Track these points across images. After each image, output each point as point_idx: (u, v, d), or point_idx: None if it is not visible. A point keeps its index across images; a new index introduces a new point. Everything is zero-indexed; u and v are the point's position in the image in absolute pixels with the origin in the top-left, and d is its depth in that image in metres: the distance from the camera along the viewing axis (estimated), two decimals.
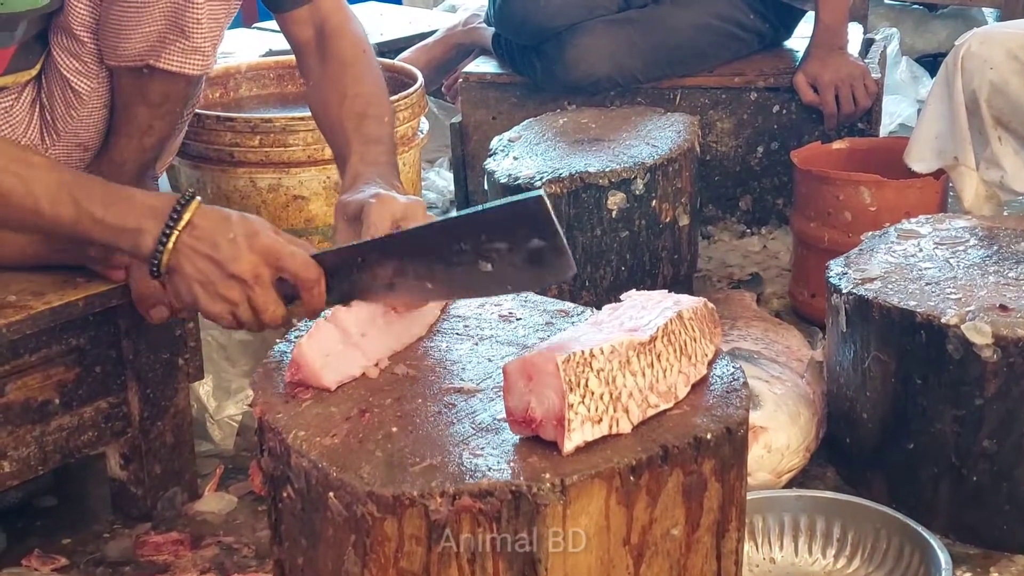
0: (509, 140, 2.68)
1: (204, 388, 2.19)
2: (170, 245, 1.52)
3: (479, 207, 1.42)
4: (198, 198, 1.55)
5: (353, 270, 1.49)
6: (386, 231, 1.53)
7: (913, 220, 2.22)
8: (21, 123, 1.84)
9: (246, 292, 1.52)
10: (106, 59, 1.79)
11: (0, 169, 1.56)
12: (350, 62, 1.87)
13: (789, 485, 2.01)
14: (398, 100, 2.44)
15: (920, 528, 1.79)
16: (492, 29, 3.17)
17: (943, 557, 1.72)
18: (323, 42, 1.88)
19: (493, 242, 1.39)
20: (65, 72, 1.81)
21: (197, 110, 2.39)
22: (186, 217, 1.52)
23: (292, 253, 1.51)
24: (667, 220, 2.52)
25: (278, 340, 1.53)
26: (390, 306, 1.49)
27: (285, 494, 1.34)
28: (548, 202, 1.35)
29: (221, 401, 2.21)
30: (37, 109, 1.85)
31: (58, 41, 1.80)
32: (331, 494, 1.26)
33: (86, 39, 1.78)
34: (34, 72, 1.83)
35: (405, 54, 3.46)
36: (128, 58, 1.77)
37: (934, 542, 1.75)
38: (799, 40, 3.13)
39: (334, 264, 1.51)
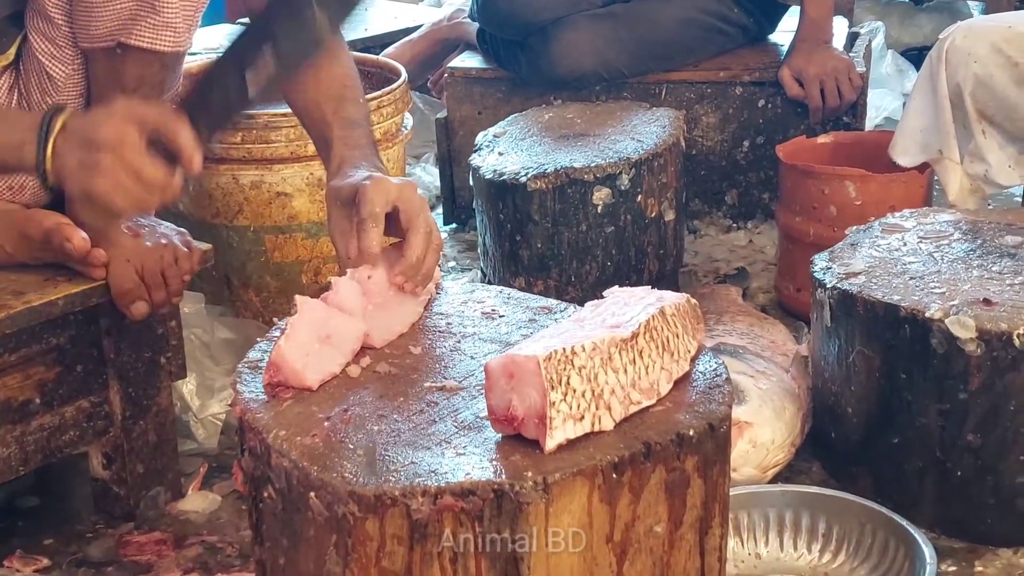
0: (494, 136, 2.67)
1: (187, 387, 2.18)
2: (49, 151, 1.54)
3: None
4: (70, 108, 1.57)
5: (209, 99, 1.52)
6: (383, 213, 1.53)
7: (897, 214, 2.21)
8: None
9: (118, 155, 1.50)
10: (79, 41, 1.78)
11: None
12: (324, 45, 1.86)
13: (774, 480, 2.01)
14: (382, 96, 2.43)
15: (905, 523, 1.78)
16: (477, 24, 3.16)
17: (928, 551, 1.72)
18: None
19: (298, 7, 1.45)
20: (41, 57, 1.80)
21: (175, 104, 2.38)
22: (58, 124, 1.54)
23: (150, 107, 1.53)
24: (653, 215, 2.51)
25: (258, 339, 1.52)
26: (392, 276, 1.50)
27: (266, 494, 1.33)
28: None
29: (204, 400, 2.20)
30: (15, 96, 1.84)
31: (34, 24, 1.80)
32: (312, 494, 1.26)
33: (60, 21, 1.78)
34: (11, 56, 1.82)
35: (390, 50, 3.45)
36: (100, 38, 1.76)
37: (919, 536, 1.75)
38: (784, 34, 3.12)
39: (192, 101, 1.54)
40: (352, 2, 1.50)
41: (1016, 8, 3.91)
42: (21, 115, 1.64)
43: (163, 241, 1.87)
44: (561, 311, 1.56)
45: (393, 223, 1.56)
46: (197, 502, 2.03)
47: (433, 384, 1.40)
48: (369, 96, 2.40)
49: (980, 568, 1.85)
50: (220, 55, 1.53)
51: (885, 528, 1.80)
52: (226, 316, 2.40)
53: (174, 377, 2.01)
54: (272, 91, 1.52)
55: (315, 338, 1.41)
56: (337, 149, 1.72)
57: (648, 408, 1.33)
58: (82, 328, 1.88)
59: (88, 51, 1.79)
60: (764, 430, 1.98)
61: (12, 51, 1.82)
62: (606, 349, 1.30)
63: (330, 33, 1.50)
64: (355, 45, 3.45)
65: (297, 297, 1.44)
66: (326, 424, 1.32)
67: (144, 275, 1.82)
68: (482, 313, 1.57)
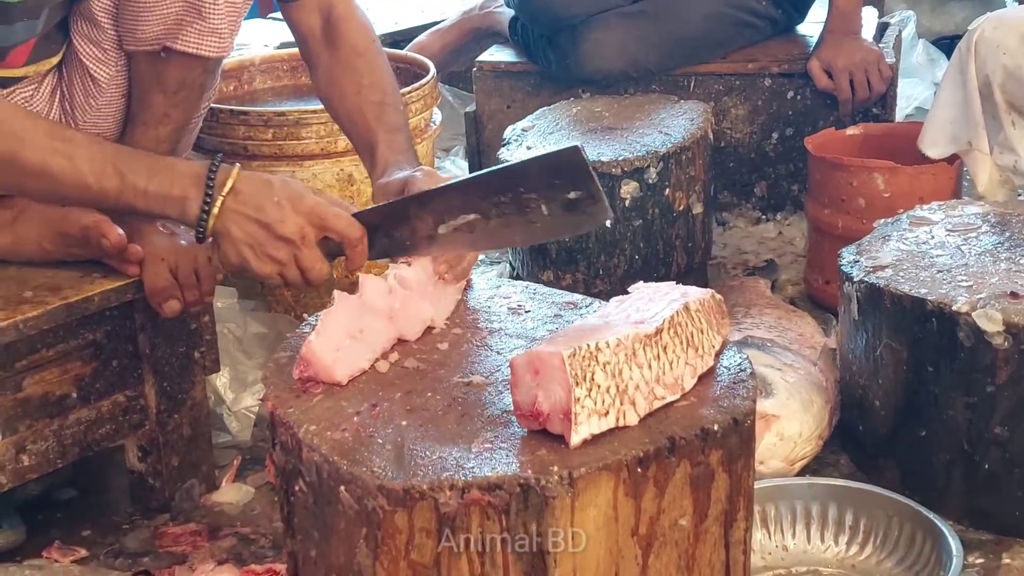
0: (522, 129, 2.69)
1: (221, 380, 2.21)
2: (215, 210, 1.59)
3: (518, 160, 1.50)
4: (237, 165, 1.61)
5: (394, 226, 1.56)
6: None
7: (925, 207, 2.21)
8: (42, 111, 1.86)
9: (293, 252, 1.59)
10: (125, 44, 1.81)
11: (45, 149, 1.62)
12: (362, 50, 1.91)
13: (802, 473, 2.01)
14: (410, 91, 2.45)
15: (932, 515, 1.79)
16: (509, 14, 3.17)
17: (955, 544, 1.72)
18: (330, 30, 1.91)
19: (531, 193, 1.46)
20: (85, 60, 1.83)
21: (211, 104, 2.41)
22: (229, 183, 1.59)
23: (336, 213, 1.59)
24: (681, 208, 2.52)
25: (289, 335, 1.54)
26: (436, 265, 1.55)
27: (297, 488, 1.35)
28: (585, 153, 1.42)
29: (238, 393, 2.23)
30: (57, 98, 1.87)
31: (78, 28, 1.82)
32: (342, 488, 1.28)
33: (106, 25, 1.80)
34: (55, 61, 1.85)
35: (420, 38, 3.46)
36: (146, 41, 1.79)
37: (946, 529, 1.75)
38: (813, 25, 3.12)
39: (375, 221, 1.59)
40: (590, 222, 1.48)
41: None
42: (176, 165, 1.64)
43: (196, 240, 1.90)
44: (586, 306, 1.58)
45: None
46: (231, 494, 2.05)
47: (460, 380, 1.42)
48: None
49: (1007, 560, 1.85)
50: (426, 192, 1.57)
51: (912, 521, 1.81)
52: (258, 311, 2.43)
53: (208, 371, 2.04)
54: (464, 246, 1.56)
55: (345, 334, 1.43)
56: (382, 152, 1.79)
57: (672, 403, 1.34)
58: (118, 323, 1.91)
59: (132, 53, 1.82)
60: (792, 423, 1.98)
61: (58, 56, 1.85)
62: (630, 345, 1.31)
63: (565, 236, 1.50)
64: (384, 40, 3.46)
65: (335, 292, 1.47)
66: (355, 419, 1.35)
67: (177, 274, 1.85)
68: (508, 309, 1.58)
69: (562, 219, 1.46)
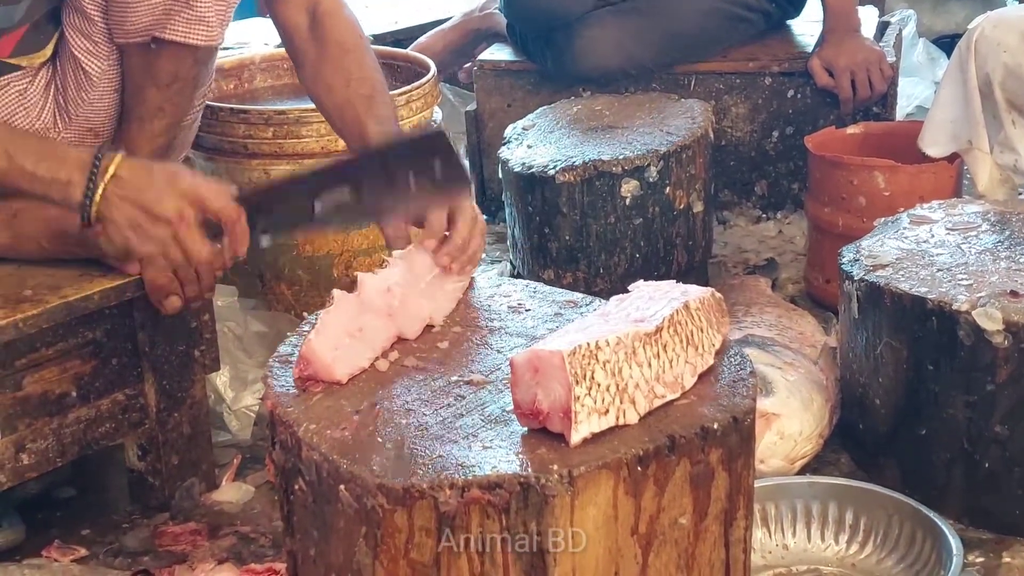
0: (523, 128, 2.69)
1: (221, 379, 2.20)
2: (97, 196, 1.63)
3: (387, 142, 1.69)
4: (121, 152, 1.66)
5: (273, 205, 1.63)
6: (443, 218, 1.63)
7: (925, 206, 2.21)
8: (35, 106, 1.86)
9: (172, 232, 1.63)
10: (115, 36, 1.82)
11: None
12: (350, 47, 1.91)
13: (802, 471, 2.01)
14: (411, 90, 2.45)
15: (932, 514, 1.79)
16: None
17: (955, 543, 1.72)
18: (317, 26, 1.92)
19: (400, 167, 1.58)
20: (77, 53, 1.83)
21: (211, 102, 2.41)
22: (111, 170, 1.63)
23: (215, 193, 1.64)
24: (681, 207, 2.52)
25: (289, 334, 1.54)
26: (439, 257, 1.60)
27: (297, 486, 1.35)
28: (447, 133, 1.58)
29: (238, 391, 2.23)
30: (51, 92, 1.87)
31: (70, 21, 1.83)
32: (342, 486, 1.28)
33: (96, 17, 1.81)
34: (48, 53, 1.85)
35: (422, 39, 3.46)
36: (135, 33, 1.79)
37: (946, 528, 1.75)
38: (811, 24, 3.12)
39: (254, 201, 1.65)
40: (455, 193, 1.62)
41: None
42: (65, 150, 1.69)
43: None
44: (586, 305, 1.58)
45: None
46: (231, 493, 2.05)
47: (460, 378, 1.42)
48: (399, 91, 2.43)
49: (1008, 559, 1.85)
50: (302, 172, 1.69)
51: (912, 519, 1.81)
52: (259, 309, 2.43)
53: (208, 370, 2.04)
54: (340, 223, 1.69)
55: (345, 333, 1.43)
56: (373, 143, 1.79)
57: (672, 402, 1.34)
58: (117, 322, 1.91)
59: (123, 46, 1.82)
60: (792, 422, 1.98)
61: (49, 48, 1.85)
62: (630, 343, 1.31)
63: (425, 203, 1.61)
64: (385, 38, 3.48)
65: (334, 291, 1.47)
66: (355, 418, 1.35)
67: (177, 270, 1.85)
68: (508, 307, 1.58)
69: (428, 190, 1.59)
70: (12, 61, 1.82)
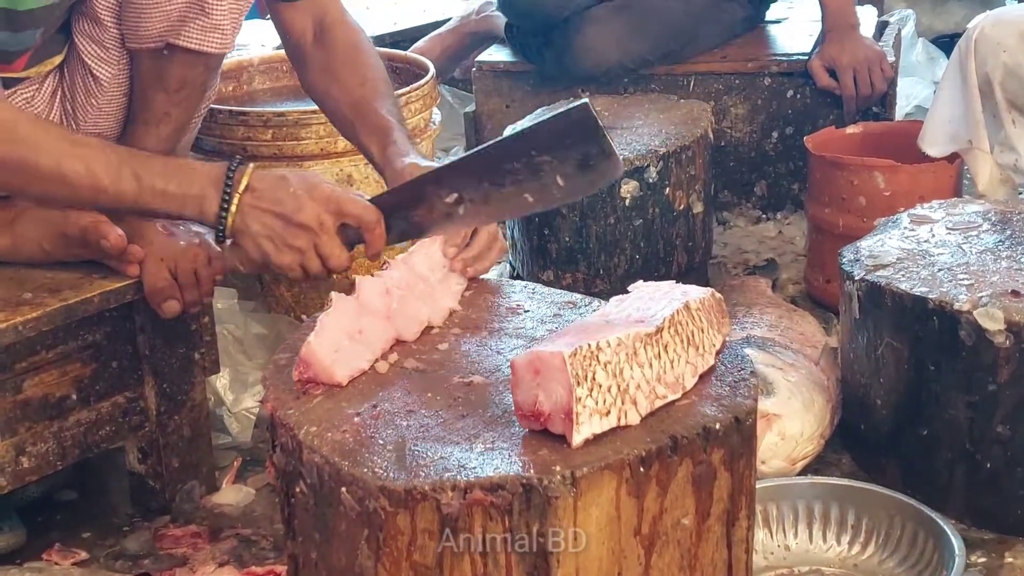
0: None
1: (221, 381, 2.20)
2: (233, 208, 1.62)
3: (527, 126, 1.55)
4: (252, 164, 1.65)
5: (411, 207, 1.59)
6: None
7: (926, 205, 2.21)
8: (43, 112, 1.86)
9: (312, 240, 1.62)
10: (128, 42, 1.82)
11: (60, 153, 1.63)
12: (361, 49, 1.94)
13: (803, 472, 2.01)
14: (410, 91, 2.45)
15: (934, 514, 1.79)
16: (504, 17, 3.17)
17: (957, 543, 1.72)
18: (324, 32, 1.93)
19: (543, 156, 1.47)
20: (87, 59, 1.83)
21: (211, 104, 2.41)
22: (244, 181, 1.62)
23: (352, 199, 1.62)
24: (681, 208, 2.52)
25: (288, 336, 1.54)
26: (454, 264, 1.59)
27: (298, 489, 1.35)
28: (593, 109, 1.44)
29: (238, 394, 2.22)
30: (57, 99, 1.87)
31: (80, 28, 1.83)
32: (343, 489, 1.28)
33: (109, 23, 1.81)
34: (56, 61, 1.86)
35: (419, 44, 3.46)
36: (149, 38, 1.79)
37: (948, 528, 1.75)
38: (811, 24, 3.12)
39: (392, 204, 1.61)
40: (606, 176, 1.51)
41: None
42: (196, 165, 1.68)
43: (196, 240, 1.89)
44: (586, 306, 1.57)
45: None
46: (231, 495, 2.05)
47: (460, 380, 1.42)
48: (398, 92, 2.42)
49: (1010, 559, 1.85)
50: (440, 168, 1.61)
51: (914, 520, 1.81)
52: (258, 312, 2.43)
53: (208, 372, 2.04)
54: (484, 219, 1.59)
55: (344, 335, 1.43)
56: (398, 138, 1.82)
57: (674, 402, 1.34)
58: (117, 325, 1.90)
59: (134, 52, 1.82)
60: (793, 422, 1.98)
61: (59, 57, 1.85)
62: (631, 344, 1.31)
63: (581, 196, 1.56)
64: (383, 40, 3.48)
65: (333, 294, 1.47)
66: (356, 420, 1.34)
67: (177, 274, 1.85)
68: (508, 308, 1.58)
69: (576, 179, 1.48)
70: (23, 75, 1.82)
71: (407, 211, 1.60)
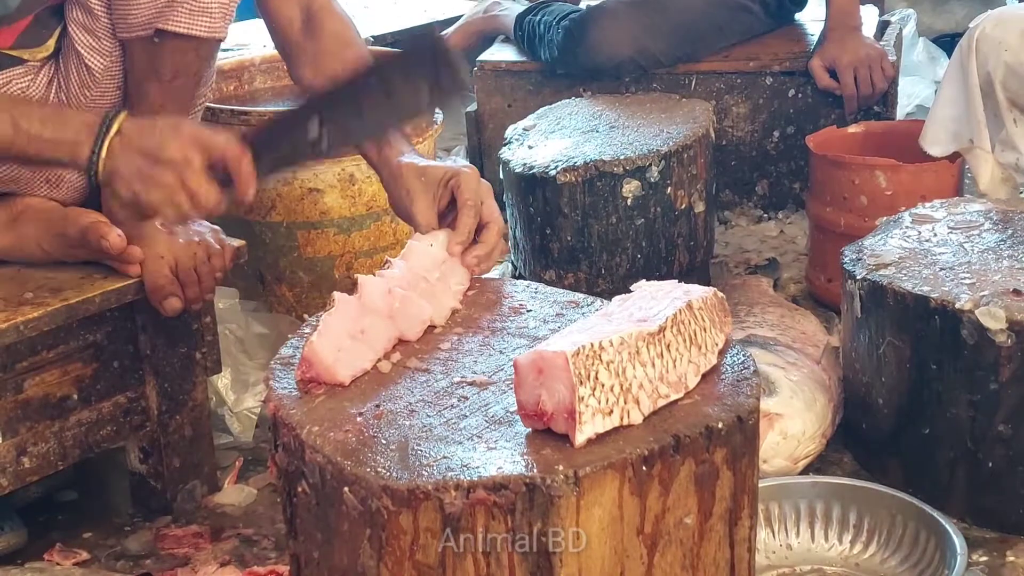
0: (524, 129, 2.68)
1: (222, 381, 2.20)
2: (103, 153, 1.62)
3: (381, 55, 1.66)
4: (124, 111, 1.65)
5: (276, 140, 1.61)
6: (477, 202, 1.65)
7: (928, 205, 2.21)
8: None
9: (179, 176, 1.61)
10: (118, 31, 1.82)
11: None
12: (349, 40, 1.93)
13: (805, 471, 2.01)
14: None
15: (936, 513, 1.79)
16: (512, 15, 3.17)
17: (959, 542, 1.72)
18: (312, 22, 1.92)
19: (397, 78, 1.56)
20: (80, 49, 1.84)
21: (211, 104, 2.40)
22: (115, 127, 1.63)
23: (216, 135, 1.62)
24: (682, 207, 2.52)
25: (290, 336, 1.54)
26: (466, 258, 1.62)
27: (300, 489, 1.35)
28: (440, 38, 1.57)
29: (239, 394, 2.22)
30: (53, 89, 1.87)
31: (73, 17, 1.83)
32: (346, 488, 1.27)
33: (100, 12, 1.81)
34: (51, 48, 1.86)
35: None
36: (138, 26, 1.79)
37: (950, 527, 1.75)
38: (813, 23, 3.12)
39: (257, 139, 1.62)
40: (458, 91, 1.60)
41: None
42: (74, 113, 1.70)
43: (196, 238, 1.90)
44: (588, 305, 1.57)
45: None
46: (233, 495, 2.05)
47: (463, 379, 1.41)
48: None
49: (1012, 558, 1.85)
50: (300, 103, 1.64)
51: (916, 519, 1.80)
52: (259, 311, 2.43)
53: (209, 372, 2.04)
54: (345, 147, 1.65)
55: (346, 334, 1.43)
56: (392, 135, 1.80)
57: (676, 401, 1.34)
58: (118, 325, 1.90)
59: (126, 41, 1.82)
60: (795, 421, 1.98)
61: (52, 43, 1.85)
62: (634, 343, 1.31)
63: (426, 110, 1.60)
64: (385, 40, 3.48)
65: (335, 293, 1.47)
66: (358, 419, 1.34)
67: (178, 272, 1.85)
68: (510, 308, 1.58)
69: (429, 99, 1.58)
70: (14, 53, 1.82)
71: (274, 145, 1.62)
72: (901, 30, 3.26)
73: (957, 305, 1.85)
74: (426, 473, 1.24)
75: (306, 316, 1.63)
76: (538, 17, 3.06)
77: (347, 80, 1.64)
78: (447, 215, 1.69)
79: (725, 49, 3.02)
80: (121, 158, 1.62)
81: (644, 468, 1.26)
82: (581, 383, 1.25)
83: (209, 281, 1.88)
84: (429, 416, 1.34)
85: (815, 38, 3.01)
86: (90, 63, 1.84)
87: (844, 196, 2.54)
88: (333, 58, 1.89)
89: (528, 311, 1.57)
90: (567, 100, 2.87)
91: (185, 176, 1.60)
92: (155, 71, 1.83)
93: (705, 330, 1.40)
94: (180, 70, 1.84)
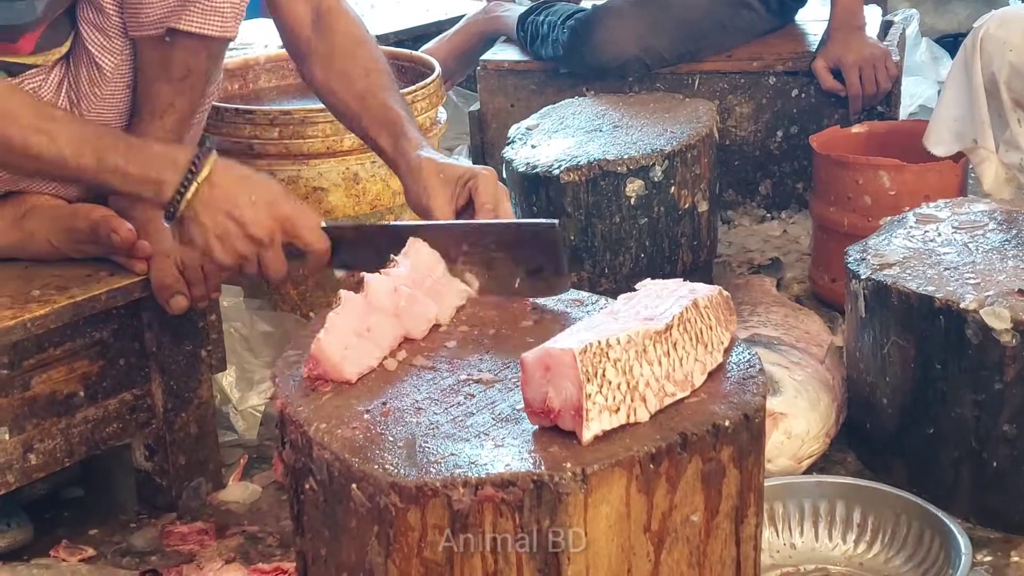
0: (527, 128, 2.69)
1: (227, 379, 2.20)
2: (189, 195, 1.63)
3: (499, 220, 1.62)
4: (215, 152, 1.65)
5: (359, 247, 1.63)
6: (495, 211, 1.67)
7: (932, 204, 2.21)
8: (49, 103, 1.86)
9: (258, 251, 1.64)
10: (129, 30, 1.82)
11: (27, 127, 1.64)
12: (362, 39, 1.94)
13: (809, 471, 2.01)
14: (416, 90, 2.45)
15: (940, 513, 1.79)
16: (515, 16, 3.17)
17: (963, 541, 1.72)
18: (322, 20, 1.93)
19: (500, 252, 1.54)
20: (91, 47, 1.84)
21: (216, 102, 2.41)
22: (205, 171, 1.63)
23: (308, 223, 1.65)
24: (686, 206, 2.52)
25: (294, 334, 1.54)
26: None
27: (307, 486, 1.35)
28: (560, 231, 1.54)
29: (244, 392, 2.23)
30: (64, 89, 1.87)
31: (85, 16, 1.83)
32: (354, 485, 1.28)
33: (111, 11, 1.81)
34: (64, 50, 1.86)
35: (428, 45, 3.45)
36: (150, 25, 1.80)
37: (954, 527, 1.75)
38: (816, 23, 3.12)
39: (342, 236, 1.65)
40: (549, 292, 1.57)
41: None
42: (153, 147, 1.69)
43: None
44: (593, 303, 1.58)
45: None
46: (238, 492, 2.05)
47: (469, 377, 1.42)
48: (404, 91, 2.42)
49: (1016, 558, 1.85)
50: (396, 223, 1.66)
51: (920, 518, 1.81)
52: (264, 309, 2.43)
53: (214, 370, 2.04)
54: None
55: (353, 332, 1.43)
56: (410, 129, 1.83)
57: (683, 399, 1.34)
58: (124, 322, 1.91)
59: (137, 40, 1.83)
60: (799, 421, 1.98)
61: (66, 45, 1.86)
62: (640, 341, 1.31)
63: (511, 292, 1.56)
64: (387, 39, 3.48)
65: (341, 292, 1.47)
66: (366, 417, 1.34)
67: (184, 270, 1.85)
68: (515, 306, 1.58)
69: (523, 283, 1.55)
70: (30, 61, 1.83)
71: (355, 248, 1.64)
72: (904, 30, 3.26)
73: (962, 305, 1.85)
74: (434, 470, 1.25)
75: (311, 314, 1.63)
76: (541, 17, 3.07)
77: (455, 225, 1.64)
78: (462, 214, 1.69)
79: (728, 48, 3.02)
80: (207, 211, 1.63)
81: (651, 466, 1.26)
82: (588, 380, 1.26)
83: (215, 281, 1.89)
84: (436, 413, 1.35)
85: (818, 38, 3.01)
86: (100, 62, 1.84)
87: (848, 196, 2.54)
88: (345, 57, 1.89)
89: (533, 309, 1.57)
90: (570, 99, 2.87)
91: (263, 253, 1.64)
92: (165, 70, 1.84)
93: (711, 328, 1.40)
94: (190, 69, 1.84)
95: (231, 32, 1.83)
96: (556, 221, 1.56)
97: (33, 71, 1.84)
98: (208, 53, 1.84)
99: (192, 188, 1.62)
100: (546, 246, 1.55)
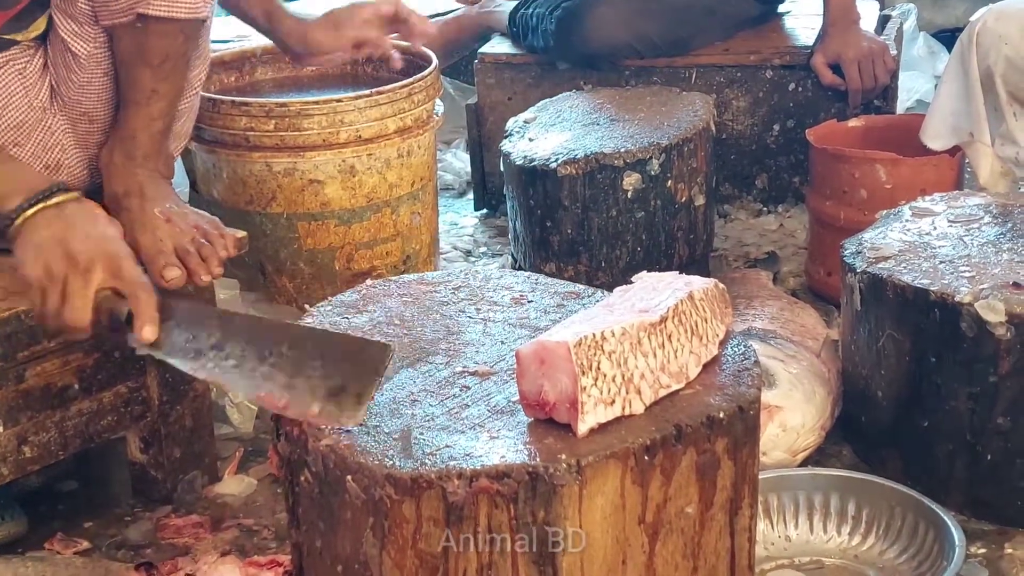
0: (524, 121, 2.69)
1: None
2: (30, 212, 1.61)
3: (328, 328, 1.47)
4: (78, 195, 1.64)
5: (188, 322, 1.48)
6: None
7: (927, 198, 2.21)
8: (34, 84, 1.86)
9: (66, 274, 1.55)
10: (100, 20, 1.81)
11: None
12: None
13: (804, 463, 2.01)
14: (413, 82, 2.45)
15: (934, 505, 1.79)
16: (506, 11, 3.17)
17: (957, 534, 1.73)
18: None
19: (315, 359, 1.36)
20: (64, 34, 1.83)
21: (212, 94, 2.41)
22: (58, 199, 1.62)
23: (134, 275, 1.56)
24: (682, 200, 2.52)
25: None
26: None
27: (302, 478, 1.35)
28: (390, 357, 1.34)
29: None
30: (48, 72, 1.87)
31: (56, 2, 1.82)
32: (349, 477, 1.28)
33: (80, 1, 1.80)
34: (41, 27, 1.85)
35: None
36: (119, 12, 1.79)
37: (948, 519, 1.76)
38: (812, 18, 3.12)
39: (174, 308, 1.51)
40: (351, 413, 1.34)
41: None
42: (21, 168, 1.71)
43: (195, 228, 1.89)
44: (589, 296, 1.58)
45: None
46: (233, 485, 2.05)
47: (465, 369, 1.42)
48: (401, 83, 2.43)
49: (1010, 550, 1.85)
50: (234, 314, 1.57)
51: (915, 511, 1.81)
52: (260, 303, 2.43)
53: None
54: (221, 375, 1.44)
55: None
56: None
57: (678, 391, 1.34)
58: None
59: (111, 29, 1.82)
60: (794, 414, 1.99)
61: (42, 22, 1.85)
62: (635, 334, 1.31)
63: (318, 400, 1.34)
64: None
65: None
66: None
67: (177, 251, 1.83)
68: (511, 299, 1.58)
69: (321, 399, 1.34)
70: (6, 36, 1.82)
71: (181, 322, 1.48)
72: (901, 24, 3.26)
73: (957, 298, 1.86)
74: (429, 462, 1.25)
75: (307, 307, 1.62)
76: (530, 10, 3.06)
77: (280, 324, 1.51)
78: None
79: (719, 35, 3.01)
80: (39, 228, 1.59)
81: (646, 457, 1.27)
82: (583, 373, 1.26)
83: (213, 258, 1.85)
84: (431, 405, 1.35)
85: (814, 31, 3.01)
86: (74, 48, 1.83)
87: (844, 190, 2.54)
88: None
89: (529, 302, 1.57)
90: (567, 93, 2.87)
91: (70, 280, 1.54)
92: (142, 56, 1.82)
93: (706, 321, 1.40)
94: (168, 54, 1.83)
95: (201, 12, 1.82)
96: (391, 344, 1.38)
97: (17, 50, 1.83)
98: (184, 36, 1.83)
99: (38, 207, 1.61)
100: (365, 368, 1.34)
